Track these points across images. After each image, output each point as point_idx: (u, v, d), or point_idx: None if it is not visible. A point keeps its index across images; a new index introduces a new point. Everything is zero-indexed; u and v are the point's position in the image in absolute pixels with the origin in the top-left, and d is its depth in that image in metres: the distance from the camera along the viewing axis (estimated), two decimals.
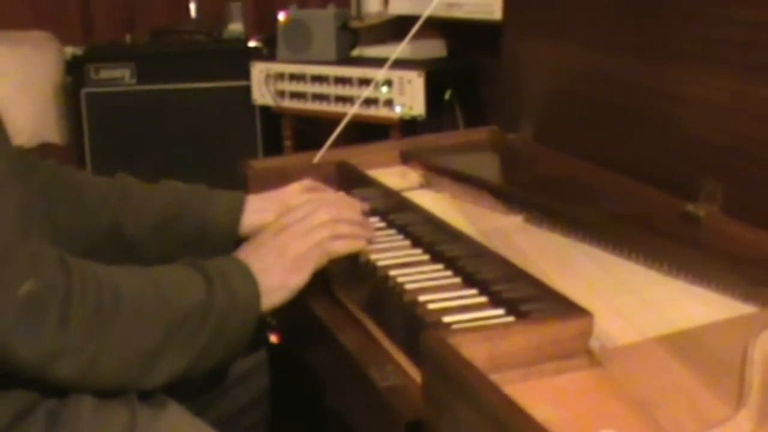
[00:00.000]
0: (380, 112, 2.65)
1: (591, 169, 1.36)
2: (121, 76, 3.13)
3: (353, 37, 2.89)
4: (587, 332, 0.87)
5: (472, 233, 1.22)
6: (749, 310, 0.96)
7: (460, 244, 1.15)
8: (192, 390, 1.18)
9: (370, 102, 2.62)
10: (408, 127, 2.63)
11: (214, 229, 1.30)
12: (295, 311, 1.20)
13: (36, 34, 3.24)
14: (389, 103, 2.64)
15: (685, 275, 1.05)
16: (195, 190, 1.34)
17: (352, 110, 1.70)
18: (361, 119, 2.39)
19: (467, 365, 0.79)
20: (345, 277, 1.21)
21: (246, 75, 2.96)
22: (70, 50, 3.19)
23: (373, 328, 1.10)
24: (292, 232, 1.18)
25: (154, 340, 1.05)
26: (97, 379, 1.03)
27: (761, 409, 0.75)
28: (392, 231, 1.30)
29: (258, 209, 1.31)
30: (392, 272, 1.13)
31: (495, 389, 0.75)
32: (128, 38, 3.33)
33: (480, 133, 1.71)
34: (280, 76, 2.88)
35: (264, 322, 1.29)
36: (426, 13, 1.67)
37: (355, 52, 2.88)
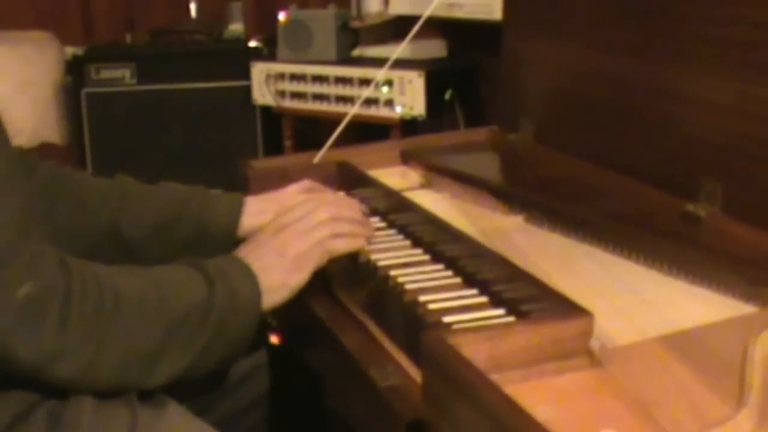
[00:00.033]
0: (381, 112, 2.65)
1: (591, 169, 1.36)
2: (121, 76, 3.13)
3: (354, 37, 2.89)
4: (587, 332, 0.87)
5: (473, 233, 1.22)
6: (749, 310, 0.96)
7: (461, 244, 1.15)
8: (192, 390, 1.18)
9: (370, 102, 2.63)
10: (408, 127, 2.63)
11: (213, 231, 1.30)
12: (296, 312, 1.20)
13: (37, 34, 3.24)
14: (390, 103, 2.64)
15: (686, 275, 1.05)
16: (194, 192, 1.34)
17: (352, 110, 1.70)
18: (361, 119, 2.39)
19: (468, 365, 0.79)
20: (345, 278, 1.21)
21: (246, 75, 2.96)
22: (70, 50, 3.19)
23: (373, 329, 1.10)
24: (291, 231, 1.18)
25: (154, 341, 1.05)
26: (97, 380, 1.03)
27: (761, 409, 0.75)
28: (393, 231, 1.30)
29: (257, 211, 1.31)
30: (393, 272, 1.13)
31: (495, 389, 0.75)
32: (129, 38, 3.34)
33: (480, 133, 1.71)
34: (281, 76, 2.88)
35: (264, 323, 1.29)
36: (426, 13, 1.67)
37: (356, 52, 2.88)
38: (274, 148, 3.04)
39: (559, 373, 0.85)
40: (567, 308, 0.91)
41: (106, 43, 3.32)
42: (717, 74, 1.16)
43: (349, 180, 1.48)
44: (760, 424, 0.75)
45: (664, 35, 1.25)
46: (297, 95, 2.86)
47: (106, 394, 1.05)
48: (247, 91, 2.97)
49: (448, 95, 2.68)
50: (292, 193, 1.34)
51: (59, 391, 1.04)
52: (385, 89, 2.63)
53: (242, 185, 1.47)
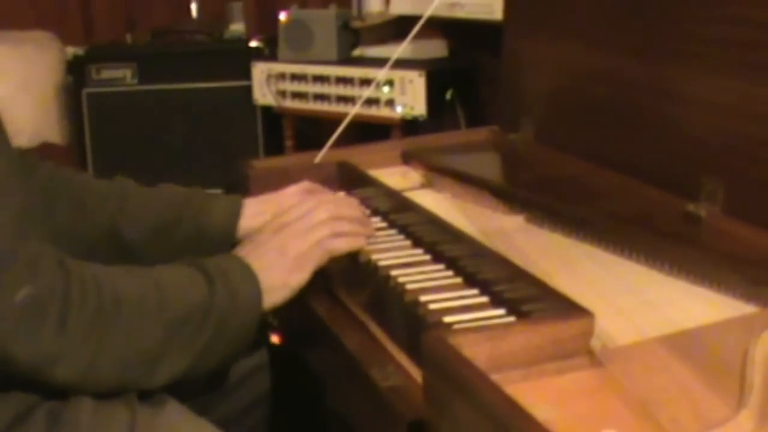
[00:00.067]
0: (381, 112, 2.65)
1: (592, 169, 1.36)
2: (122, 76, 3.13)
3: (354, 37, 2.89)
4: (588, 332, 0.87)
5: (473, 233, 1.22)
6: (750, 310, 0.96)
7: (461, 244, 1.15)
8: (193, 390, 1.18)
9: (371, 102, 2.62)
10: (409, 127, 2.63)
11: (212, 233, 1.30)
12: (296, 312, 1.20)
13: (37, 34, 3.23)
14: (390, 103, 2.64)
15: (686, 275, 1.05)
16: (192, 194, 1.34)
17: (353, 110, 1.70)
18: (362, 119, 2.39)
19: (468, 365, 0.79)
20: (346, 278, 1.21)
21: (247, 75, 2.96)
22: (71, 50, 3.19)
23: (374, 329, 1.10)
24: (291, 231, 1.17)
25: (154, 341, 1.05)
26: (97, 382, 1.03)
27: (762, 410, 0.75)
28: (393, 231, 1.30)
29: (255, 213, 1.31)
30: (393, 272, 1.13)
31: (496, 389, 0.75)
32: (129, 38, 3.33)
33: (481, 133, 1.71)
34: (282, 76, 2.88)
35: (265, 323, 1.29)
36: (427, 13, 1.66)
37: (357, 52, 2.87)
38: (274, 148, 3.04)
39: (559, 373, 0.85)
40: (567, 308, 0.91)
41: (106, 43, 3.32)
42: (718, 74, 1.16)
43: (349, 180, 1.48)
44: (760, 425, 0.75)
45: (665, 35, 1.25)
46: (298, 95, 2.86)
47: (107, 395, 1.05)
48: (248, 91, 2.97)
49: (448, 95, 2.68)
50: (291, 194, 1.34)
51: (59, 391, 1.04)
52: (385, 89, 2.62)
53: (243, 185, 1.47)
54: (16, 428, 1.03)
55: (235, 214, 1.31)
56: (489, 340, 0.83)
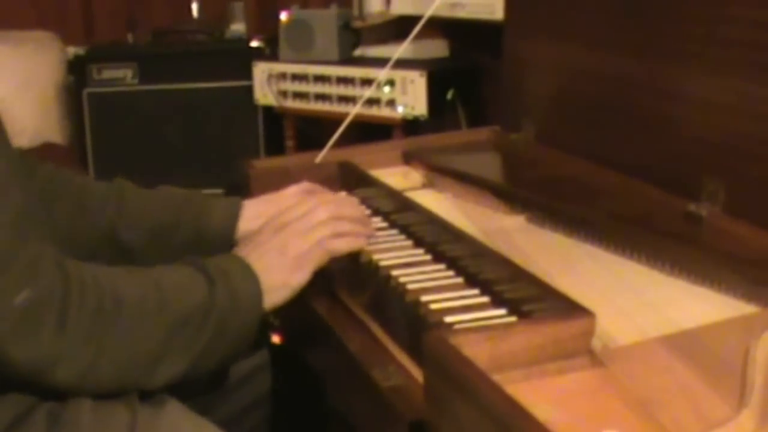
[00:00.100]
0: (382, 112, 2.65)
1: (593, 169, 1.36)
2: (123, 76, 3.13)
3: (355, 37, 2.89)
4: (589, 332, 0.87)
5: (474, 233, 1.22)
6: (751, 310, 0.96)
7: (462, 244, 1.15)
8: (194, 391, 1.18)
9: (372, 102, 2.62)
10: (410, 127, 2.63)
11: (211, 236, 1.30)
12: (297, 312, 1.20)
13: (38, 34, 3.24)
14: (391, 103, 2.64)
15: (687, 275, 1.05)
16: (191, 196, 1.34)
17: (354, 110, 1.70)
18: (363, 119, 2.39)
19: (469, 365, 0.79)
20: (347, 278, 1.21)
21: (248, 75, 2.96)
22: (72, 50, 3.19)
23: (375, 329, 1.10)
24: (292, 231, 1.17)
25: (155, 342, 1.05)
26: (97, 383, 1.03)
27: (763, 410, 0.75)
28: (394, 231, 1.30)
29: (254, 215, 1.31)
30: (394, 272, 1.13)
31: (497, 389, 0.75)
32: (130, 38, 3.33)
33: (482, 133, 1.71)
34: (283, 76, 2.88)
35: (266, 323, 1.29)
36: (428, 13, 1.66)
37: (358, 52, 2.88)
38: (275, 148, 3.04)
39: (560, 373, 0.85)
40: (568, 308, 0.90)
41: (107, 43, 3.32)
42: (718, 74, 1.16)
43: (350, 180, 1.48)
44: (761, 425, 0.75)
45: (665, 35, 1.25)
46: (299, 95, 2.86)
47: (107, 395, 1.05)
48: (249, 91, 2.97)
49: (449, 95, 2.68)
50: (291, 194, 1.33)
51: (59, 392, 1.04)
52: (386, 89, 2.62)
53: (244, 185, 1.47)
54: (15, 429, 1.03)
55: (234, 216, 1.31)
56: (490, 340, 0.83)
